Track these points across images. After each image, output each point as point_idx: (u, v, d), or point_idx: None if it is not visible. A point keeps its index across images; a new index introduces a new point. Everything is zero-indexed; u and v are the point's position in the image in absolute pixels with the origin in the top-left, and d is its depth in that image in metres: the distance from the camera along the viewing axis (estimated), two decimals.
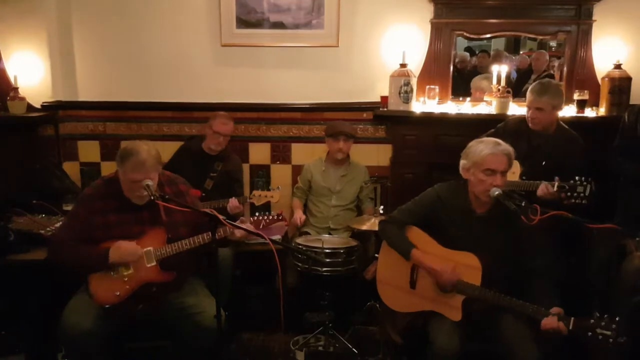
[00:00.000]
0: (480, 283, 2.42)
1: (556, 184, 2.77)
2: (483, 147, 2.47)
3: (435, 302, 2.52)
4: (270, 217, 2.77)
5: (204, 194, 3.49)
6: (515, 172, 3.06)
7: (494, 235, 2.50)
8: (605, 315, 2.14)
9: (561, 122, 3.21)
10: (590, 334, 2.14)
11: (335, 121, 3.72)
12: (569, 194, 2.71)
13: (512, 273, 2.49)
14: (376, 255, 2.90)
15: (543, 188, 2.87)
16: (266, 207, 3.70)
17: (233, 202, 3.39)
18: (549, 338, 2.27)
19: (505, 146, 2.48)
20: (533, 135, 3.16)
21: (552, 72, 4.12)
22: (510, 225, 2.46)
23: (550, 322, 2.23)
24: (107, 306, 2.49)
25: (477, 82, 4.11)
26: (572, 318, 2.21)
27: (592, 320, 2.15)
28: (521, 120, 3.28)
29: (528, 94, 3.14)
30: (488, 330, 2.47)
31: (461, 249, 2.50)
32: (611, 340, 2.10)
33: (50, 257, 2.62)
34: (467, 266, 2.46)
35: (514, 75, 4.33)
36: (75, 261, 2.51)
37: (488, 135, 3.16)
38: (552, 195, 2.82)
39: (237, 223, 2.50)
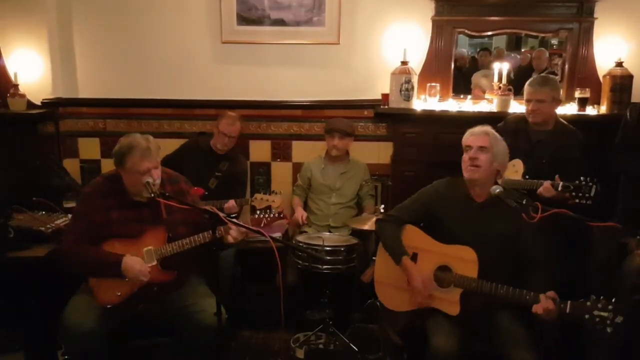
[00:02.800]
0: (477, 276, 2.42)
1: (561, 184, 2.76)
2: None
3: (433, 297, 2.52)
4: (272, 216, 2.76)
5: (206, 193, 3.49)
6: (518, 171, 3.06)
7: (493, 223, 2.50)
8: (602, 297, 2.13)
9: (559, 118, 3.21)
10: (587, 316, 2.12)
11: (334, 118, 3.72)
12: (574, 194, 2.70)
13: (510, 263, 2.49)
14: (374, 258, 2.89)
15: (546, 187, 2.86)
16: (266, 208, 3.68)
17: (230, 203, 3.39)
18: (542, 322, 2.25)
19: (488, 127, 2.57)
20: (532, 132, 3.16)
21: (554, 70, 4.10)
22: (510, 215, 2.44)
23: (539, 305, 2.22)
24: (108, 306, 2.49)
25: (477, 79, 4.10)
26: (569, 301, 2.19)
27: (588, 303, 2.13)
28: (520, 118, 3.27)
29: (527, 87, 3.15)
30: (485, 330, 2.46)
31: (460, 240, 2.50)
32: (608, 322, 2.08)
33: (57, 258, 2.60)
34: (464, 260, 2.46)
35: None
36: (85, 266, 2.50)
37: None
38: (554, 195, 2.82)
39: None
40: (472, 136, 2.55)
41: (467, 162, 2.52)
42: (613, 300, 2.11)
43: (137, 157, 2.45)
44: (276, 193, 3.43)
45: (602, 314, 2.10)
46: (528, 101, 3.15)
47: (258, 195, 3.41)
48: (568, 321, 2.22)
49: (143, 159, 2.45)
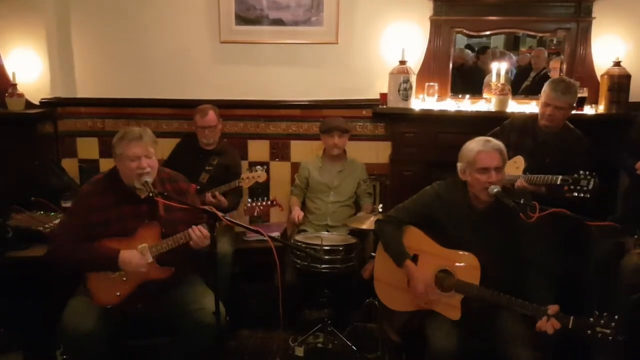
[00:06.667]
0: (479, 282, 2.42)
1: (560, 177, 2.77)
2: (474, 145, 2.49)
3: (434, 301, 2.52)
4: (264, 203, 2.76)
5: (199, 187, 3.48)
6: (519, 167, 3.06)
7: (494, 231, 2.50)
8: (605, 314, 2.14)
9: (567, 122, 3.19)
10: (589, 332, 2.15)
11: (328, 117, 3.72)
12: (572, 187, 2.71)
13: (512, 269, 2.48)
14: (373, 254, 2.90)
15: (519, 183, 2.92)
16: (264, 193, 3.75)
17: (207, 197, 3.37)
18: (545, 338, 2.26)
19: (495, 142, 2.49)
20: (539, 132, 3.15)
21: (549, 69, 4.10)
22: (510, 220, 2.45)
23: (543, 325, 2.23)
24: (108, 307, 2.49)
25: (489, 78, 4.07)
26: (572, 317, 2.21)
27: (591, 319, 2.15)
28: (528, 117, 3.27)
29: (549, 91, 3.05)
30: (485, 329, 2.47)
31: (461, 247, 2.49)
32: (610, 338, 2.10)
33: (51, 258, 2.59)
34: (465, 265, 2.46)
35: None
36: (80, 261, 2.49)
37: (494, 132, 3.17)
38: (529, 188, 2.86)
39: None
40: (485, 155, 2.44)
41: (484, 184, 2.42)
42: (616, 317, 2.12)
43: (126, 143, 2.49)
44: (259, 169, 3.44)
45: (605, 330, 2.12)
46: (546, 105, 3.07)
47: (244, 175, 3.44)
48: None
49: (131, 144, 2.48)
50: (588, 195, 2.68)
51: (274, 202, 2.81)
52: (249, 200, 2.79)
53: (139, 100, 4.04)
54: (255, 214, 2.73)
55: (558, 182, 2.78)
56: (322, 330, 3.25)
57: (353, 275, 3.24)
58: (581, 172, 2.71)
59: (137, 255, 2.48)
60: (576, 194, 2.70)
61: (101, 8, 3.96)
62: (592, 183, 2.67)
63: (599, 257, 3.03)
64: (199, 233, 2.47)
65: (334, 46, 3.90)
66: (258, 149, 4.11)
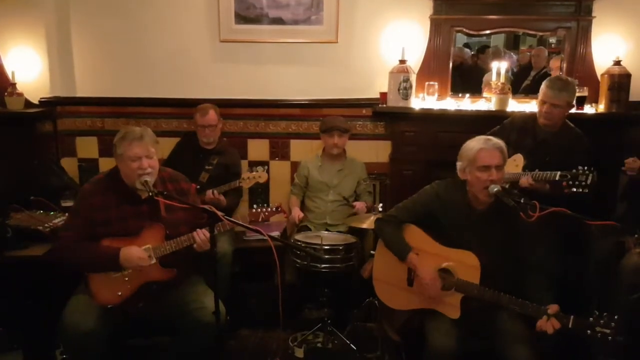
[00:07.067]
0: (479, 281, 2.42)
1: (559, 173, 2.76)
2: (474, 144, 2.49)
3: (434, 300, 2.52)
4: (269, 210, 2.78)
5: (198, 187, 3.48)
6: (518, 165, 3.07)
7: (494, 231, 2.49)
8: (605, 314, 2.14)
9: (567, 120, 3.19)
10: (589, 332, 2.15)
11: (328, 117, 3.72)
12: (570, 182, 2.71)
13: (511, 269, 2.48)
14: (372, 252, 2.89)
15: (524, 181, 2.92)
16: (264, 200, 3.78)
17: (208, 194, 3.38)
18: (545, 337, 2.27)
19: (496, 140, 2.49)
20: (539, 131, 3.15)
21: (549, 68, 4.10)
22: (509, 220, 2.45)
23: (543, 324, 2.24)
24: (109, 306, 2.49)
25: (488, 77, 4.07)
26: (572, 316, 2.21)
27: (591, 319, 2.15)
28: (528, 116, 3.27)
29: (545, 89, 3.07)
30: (485, 329, 2.47)
31: (461, 246, 2.49)
32: (610, 338, 2.11)
33: (53, 257, 2.59)
34: (465, 265, 2.46)
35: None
36: (82, 261, 2.49)
37: (494, 131, 3.17)
38: (533, 186, 2.86)
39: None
40: (487, 153, 2.44)
41: (485, 182, 2.42)
42: (615, 317, 2.13)
43: (127, 143, 2.49)
44: (261, 169, 3.46)
45: (605, 330, 2.12)
46: (543, 102, 3.08)
47: (244, 175, 3.45)
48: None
49: (132, 144, 2.47)
50: (587, 191, 2.68)
51: (279, 209, 2.82)
52: (254, 205, 2.80)
53: (139, 100, 4.04)
54: (260, 219, 2.73)
55: (557, 178, 2.78)
56: (322, 329, 3.25)
57: (353, 275, 3.24)
58: (580, 167, 2.71)
59: (138, 249, 2.48)
60: (575, 190, 2.70)
61: (101, 7, 3.95)
62: (590, 178, 2.67)
63: (599, 256, 3.03)
64: (203, 237, 2.47)
65: (334, 45, 3.89)
66: (258, 148, 4.10)
